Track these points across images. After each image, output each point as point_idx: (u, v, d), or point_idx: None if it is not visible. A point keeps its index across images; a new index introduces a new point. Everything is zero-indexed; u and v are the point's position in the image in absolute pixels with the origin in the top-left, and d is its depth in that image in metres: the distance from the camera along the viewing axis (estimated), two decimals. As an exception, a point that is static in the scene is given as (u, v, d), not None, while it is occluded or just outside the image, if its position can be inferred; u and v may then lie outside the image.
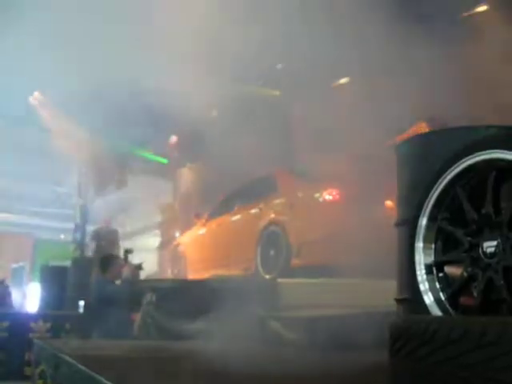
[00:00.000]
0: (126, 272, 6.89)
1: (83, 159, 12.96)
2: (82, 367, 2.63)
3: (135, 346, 4.64)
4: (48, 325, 8.74)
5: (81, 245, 13.15)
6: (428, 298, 2.28)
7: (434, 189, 2.43)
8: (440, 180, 2.42)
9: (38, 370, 3.97)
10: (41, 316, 9.05)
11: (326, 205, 7.15)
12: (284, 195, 7.83)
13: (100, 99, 10.05)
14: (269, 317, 5.13)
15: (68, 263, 11.95)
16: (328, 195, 7.17)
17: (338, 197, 7.17)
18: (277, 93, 10.84)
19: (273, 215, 7.71)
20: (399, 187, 3.03)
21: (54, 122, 12.64)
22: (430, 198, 2.44)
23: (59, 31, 8.21)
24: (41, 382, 3.82)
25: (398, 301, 2.81)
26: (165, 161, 13.85)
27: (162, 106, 9.43)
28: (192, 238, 10.05)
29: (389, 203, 6.63)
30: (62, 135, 12.59)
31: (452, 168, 2.37)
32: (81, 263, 11.28)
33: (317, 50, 7.69)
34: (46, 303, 10.22)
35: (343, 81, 10.01)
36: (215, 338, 5.47)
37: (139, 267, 7.43)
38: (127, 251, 7.84)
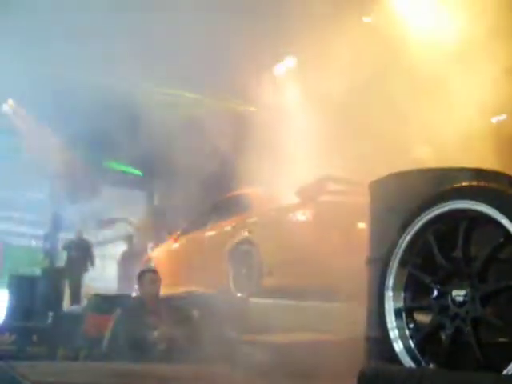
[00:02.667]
0: None
1: (56, 167, 12.84)
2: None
3: (103, 369, 4.59)
4: (13, 337, 8.59)
5: (51, 254, 13.00)
6: (398, 346, 2.31)
7: (406, 232, 2.47)
8: (412, 224, 2.45)
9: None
10: (7, 328, 8.89)
11: (299, 225, 7.17)
12: (257, 214, 7.84)
13: (75, 109, 10.00)
14: (239, 340, 5.13)
15: (38, 271, 11.81)
16: (301, 216, 7.19)
17: (311, 218, 7.19)
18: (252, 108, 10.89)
19: (246, 233, 7.72)
20: (371, 224, 3.06)
21: (26, 129, 12.53)
22: (402, 242, 2.47)
23: (32, 40, 8.17)
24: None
25: (367, 338, 2.84)
26: (140, 173, 13.79)
27: (139, 118, 9.43)
28: (164, 253, 10.01)
29: (363, 226, 6.69)
30: (35, 142, 12.47)
31: (424, 213, 2.41)
32: (51, 273, 11.14)
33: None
34: (13, 313, 10.04)
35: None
36: (185, 359, 5.49)
37: None
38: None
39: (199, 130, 9.45)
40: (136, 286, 9.19)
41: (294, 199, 7.30)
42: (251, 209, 8.03)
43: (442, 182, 2.58)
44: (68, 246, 11.76)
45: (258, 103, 10.48)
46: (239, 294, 7.38)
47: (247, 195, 8.31)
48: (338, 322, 5.57)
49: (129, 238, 13.28)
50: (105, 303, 7.16)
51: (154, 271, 6.37)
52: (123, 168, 13.65)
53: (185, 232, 9.53)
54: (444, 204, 2.35)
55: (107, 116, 9.81)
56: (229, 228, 8.15)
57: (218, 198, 9.41)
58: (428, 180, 2.64)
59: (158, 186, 14.04)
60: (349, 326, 5.24)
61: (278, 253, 7.17)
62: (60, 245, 13.11)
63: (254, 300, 6.71)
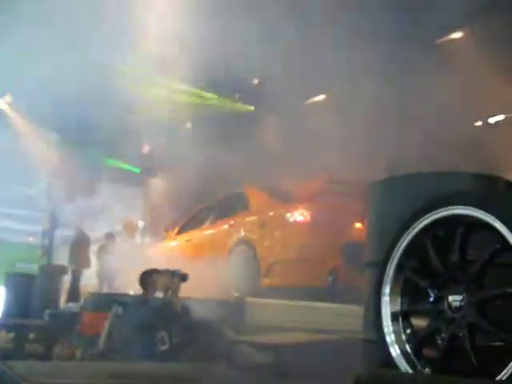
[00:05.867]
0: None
1: (53, 163, 12.84)
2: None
3: (100, 369, 4.59)
4: (11, 335, 8.57)
5: (49, 250, 12.98)
6: (394, 350, 2.32)
7: (404, 237, 2.47)
8: (410, 229, 2.45)
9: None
10: (4, 325, 8.87)
11: (296, 225, 7.18)
12: (255, 213, 7.85)
13: (72, 106, 9.99)
14: (237, 340, 5.14)
15: (35, 267, 11.79)
16: (299, 216, 7.20)
17: (309, 218, 7.20)
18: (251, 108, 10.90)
19: (243, 233, 7.73)
20: (370, 226, 3.07)
21: (23, 125, 12.52)
22: (399, 246, 2.48)
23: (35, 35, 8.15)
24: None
25: (363, 341, 2.85)
26: (137, 170, 13.80)
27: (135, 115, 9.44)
28: (161, 251, 10.00)
29: (359, 226, 6.71)
30: (32, 138, 12.46)
31: (422, 218, 2.41)
32: (48, 271, 11.12)
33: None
34: (10, 311, 10.04)
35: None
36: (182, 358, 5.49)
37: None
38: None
39: (199, 128, 9.46)
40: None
41: (293, 199, 7.32)
42: (249, 208, 8.04)
43: (441, 186, 2.60)
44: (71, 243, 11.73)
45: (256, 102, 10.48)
46: (236, 294, 7.38)
47: (245, 194, 8.32)
48: (336, 323, 5.61)
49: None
50: (101, 301, 7.13)
51: (158, 271, 6.24)
52: (121, 165, 13.65)
53: (182, 230, 9.54)
54: (441, 209, 2.36)
55: (104, 112, 9.80)
56: (226, 227, 8.16)
57: (216, 196, 9.41)
58: (427, 184, 2.66)
59: (155, 183, 14.03)
60: (347, 327, 5.27)
61: (276, 253, 7.20)
62: (58, 241, 13.10)
63: (251, 300, 6.72)
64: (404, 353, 2.32)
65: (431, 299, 2.35)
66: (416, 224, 2.38)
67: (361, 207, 6.83)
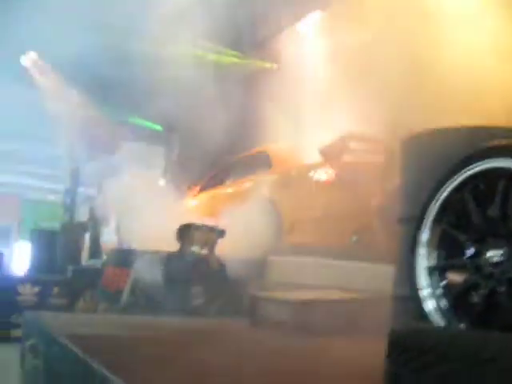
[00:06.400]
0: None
1: (75, 121, 12.81)
2: (77, 351, 2.62)
3: (123, 323, 4.63)
4: (36, 289, 8.73)
5: (71, 209, 13.07)
6: (429, 305, 2.27)
7: (441, 191, 2.39)
8: (448, 183, 2.37)
9: (28, 343, 3.96)
10: (29, 279, 9.04)
11: (319, 184, 7.10)
12: (277, 172, 7.78)
13: (94, 64, 9.92)
14: (260, 297, 5.12)
15: (57, 225, 11.92)
16: (323, 174, 7.11)
17: (332, 176, 7.11)
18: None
19: (266, 191, 7.67)
20: (404, 182, 2.99)
21: (46, 83, 12.47)
22: (437, 200, 2.40)
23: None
24: (31, 355, 3.81)
25: (395, 297, 2.80)
26: (159, 127, 13.73)
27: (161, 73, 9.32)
28: (183, 210, 9.99)
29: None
30: (54, 96, 12.43)
31: (461, 172, 2.32)
32: (70, 228, 11.25)
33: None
34: (36, 266, 10.22)
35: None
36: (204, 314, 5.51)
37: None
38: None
39: (221, 86, 9.33)
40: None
41: (317, 158, 7.22)
42: (271, 167, 7.96)
43: (479, 140, 2.50)
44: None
45: (279, 60, 10.29)
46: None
47: (268, 152, 8.24)
48: (361, 281, 5.56)
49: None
50: (123, 257, 7.18)
51: (196, 226, 6.09)
52: (143, 123, 13.60)
53: (204, 189, 9.51)
54: (482, 162, 2.27)
55: (128, 70, 9.72)
56: (248, 185, 8.10)
57: (238, 154, 9.33)
58: (464, 138, 2.56)
59: (177, 141, 13.96)
60: (373, 285, 5.22)
61: (298, 211, 7.13)
62: (80, 200, 13.19)
63: (273, 258, 6.71)
64: (439, 308, 2.26)
65: (469, 254, 2.28)
66: (456, 176, 2.29)
67: (386, 164, 6.79)
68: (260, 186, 7.83)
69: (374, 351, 2.09)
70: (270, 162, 8.04)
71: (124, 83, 10.38)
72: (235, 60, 10.49)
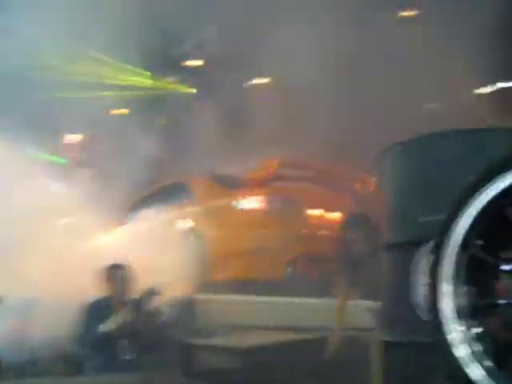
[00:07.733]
0: None
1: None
2: None
3: None
4: None
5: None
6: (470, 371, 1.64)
7: (471, 204, 1.78)
8: (478, 193, 1.79)
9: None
10: None
11: (247, 214, 6.60)
12: (199, 202, 7.20)
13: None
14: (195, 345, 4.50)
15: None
16: (251, 203, 6.62)
17: (260, 205, 6.63)
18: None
19: (188, 224, 7.07)
20: (389, 202, 2.47)
21: None
22: (463, 220, 1.79)
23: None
24: None
25: (388, 343, 2.27)
26: (63, 161, 12.81)
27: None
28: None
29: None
30: None
31: (496, 181, 1.77)
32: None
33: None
34: None
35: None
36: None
37: None
38: None
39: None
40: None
41: (243, 185, 6.75)
42: (193, 198, 7.37)
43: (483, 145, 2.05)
44: None
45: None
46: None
47: (185, 183, 7.64)
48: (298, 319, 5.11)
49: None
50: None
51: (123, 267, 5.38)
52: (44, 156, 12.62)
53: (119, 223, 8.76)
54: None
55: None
56: (169, 218, 7.46)
57: (151, 188, 8.65)
58: (467, 142, 2.09)
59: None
60: (314, 323, 4.78)
61: (226, 244, 6.59)
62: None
63: (200, 297, 6.10)
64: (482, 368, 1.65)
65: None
66: (487, 188, 1.74)
67: (328, 192, 6.42)
68: (180, 218, 7.23)
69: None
70: (191, 193, 7.45)
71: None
72: (150, 83, 9.79)
